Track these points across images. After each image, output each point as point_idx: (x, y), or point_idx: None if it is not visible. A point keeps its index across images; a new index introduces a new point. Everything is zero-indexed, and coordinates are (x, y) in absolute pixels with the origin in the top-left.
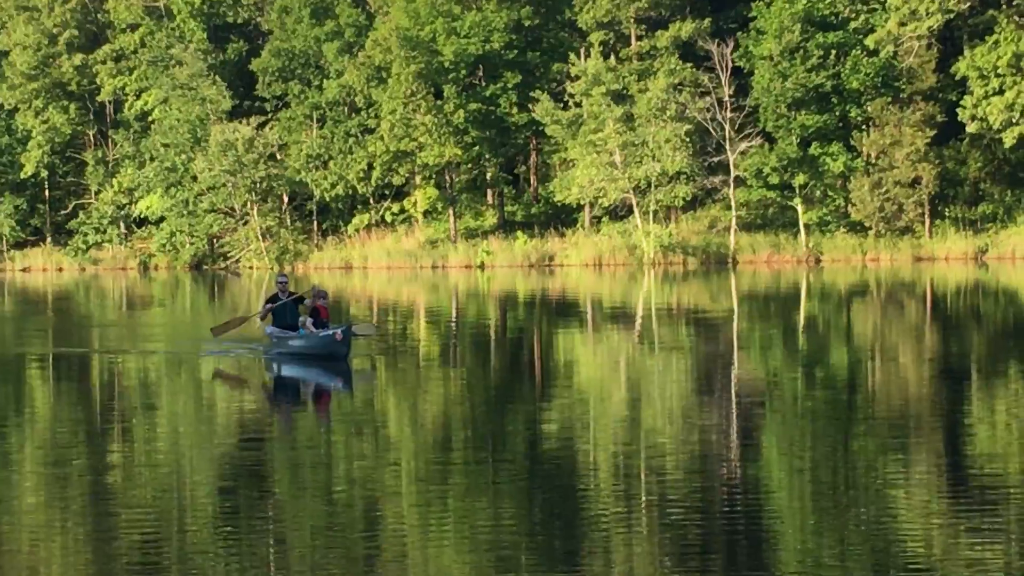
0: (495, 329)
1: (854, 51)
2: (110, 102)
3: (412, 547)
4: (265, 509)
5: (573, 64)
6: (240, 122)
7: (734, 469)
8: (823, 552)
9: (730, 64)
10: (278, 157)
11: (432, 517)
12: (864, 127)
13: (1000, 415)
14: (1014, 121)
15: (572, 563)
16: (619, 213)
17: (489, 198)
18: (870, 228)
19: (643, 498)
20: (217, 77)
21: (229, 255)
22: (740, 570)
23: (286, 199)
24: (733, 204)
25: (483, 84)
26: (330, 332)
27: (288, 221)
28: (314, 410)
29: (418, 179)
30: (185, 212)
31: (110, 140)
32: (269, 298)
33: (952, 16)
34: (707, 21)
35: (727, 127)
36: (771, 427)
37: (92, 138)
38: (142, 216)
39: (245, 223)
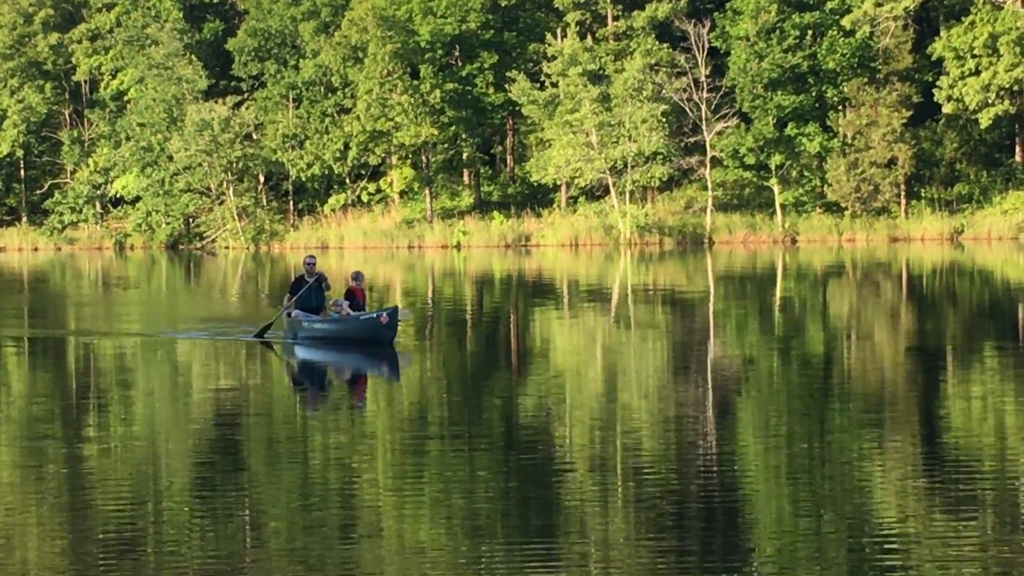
0: (471, 309)
1: (830, 31)
2: (86, 81)
3: (388, 521)
4: (241, 484)
5: (550, 44)
6: (216, 102)
7: (710, 446)
8: (798, 527)
9: (706, 44)
10: (254, 137)
11: (408, 492)
12: (840, 107)
13: (975, 393)
14: (990, 102)
15: (548, 536)
16: (595, 193)
17: (465, 178)
18: (846, 208)
19: (619, 474)
20: (193, 57)
21: (205, 235)
22: (715, 545)
23: (262, 179)
24: (709, 184)
25: (459, 64)
26: (373, 315)
27: (264, 201)
28: (350, 395)
29: (394, 159)
30: (161, 192)
31: (86, 119)
32: (295, 280)
33: None
34: (683, 1)
35: (703, 107)
36: (747, 405)
37: (68, 117)
38: (118, 196)
39: (221, 203)
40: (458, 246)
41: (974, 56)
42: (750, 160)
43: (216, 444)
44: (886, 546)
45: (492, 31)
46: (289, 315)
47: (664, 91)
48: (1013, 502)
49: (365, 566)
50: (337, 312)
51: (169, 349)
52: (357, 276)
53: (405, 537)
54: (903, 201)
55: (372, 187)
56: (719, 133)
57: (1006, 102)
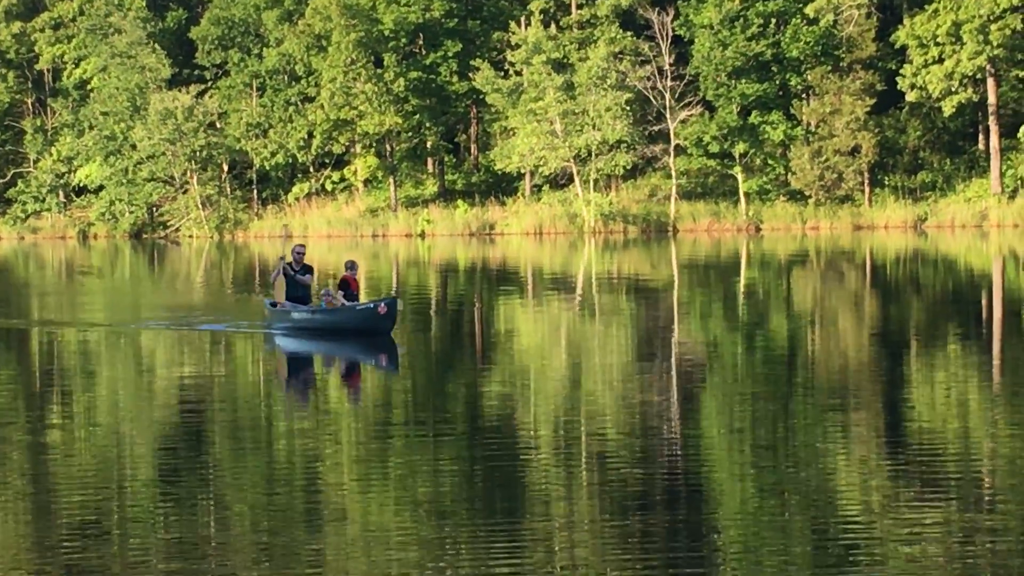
0: (436, 297)
1: (794, 20)
2: (49, 70)
3: (352, 505)
4: (206, 470)
5: (513, 33)
6: (180, 90)
7: (674, 431)
8: (762, 510)
9: (670, 33)
10: (218, 126)
11: (373, 477)
12: (804, 96)
13: (938, 380)
14: (953, 90)
15: (513, 519)
16: (560, 182)
17: (429, 167)
18: (810, 196)
19: (583, 459)
20: (156, 45)
21: (169, 224)
22: (679, 530)
23: (226, 168)
24: (673, 172)
25: (423, 52)
26: (370, 304)
27: (228, 190)
28: (319, 385)
29: (358, 148)
30: (124, 181)
31: (49, 108)
32: (285, 266)
33: None
34: None
35: (667, 96)
36: (711, 391)
37: (31, 106)
38: (81, 185)
39: (185, 192)
40: (422, 234)
41: (937, 44)
42: (714, 148)
43: (182, 431)
44: (850, 527)
45: (456, 19)
46: (274, 305)
47: (628, 79)
48: (975, 484)
49: (330, 549)
50: (327, 302)
51: (158, 339)
52: (352, 265)
53: (370, 521)
54: (867, 189)
55: (336, 176)
56: (683, 121)
57: (969, 90)
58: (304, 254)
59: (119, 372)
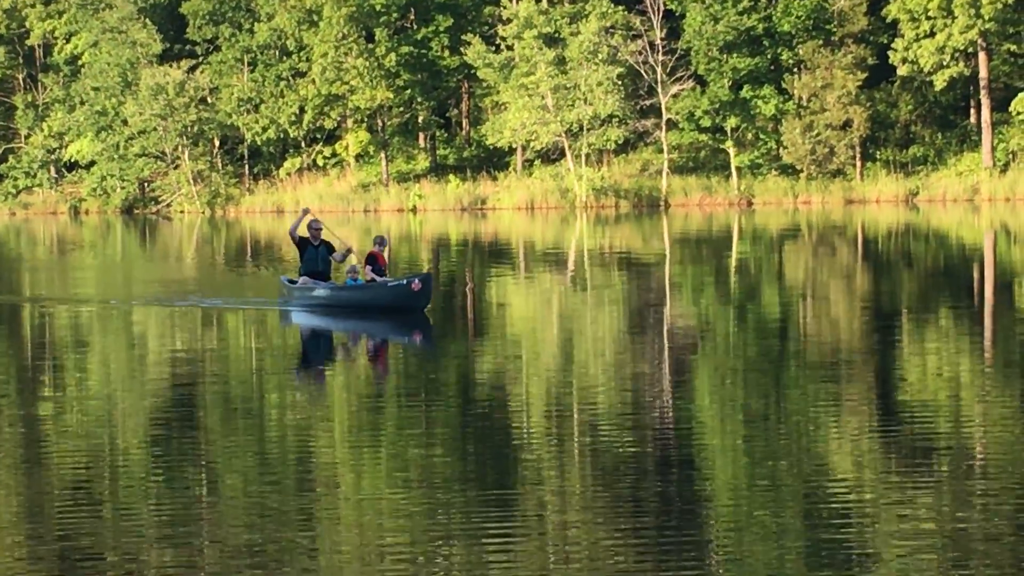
0: (428, 272)
1: None
2: (40, 46)
3: (345, 475)
4: (198, 445)
5: (505, 7)
6: (171, 66)
7: (666, 408)
8: (754, 482)
9: (662, 7)
10: (209, 101)
11: (365, 453)
12: (796, 70)
13: (929, 353)
14: (944, 64)
15: (505, 489)
16: (551, 156)
17: (421, 141)
18: (802, 171)
19: (575, 430)
20: (147, 20)
21: (160, 199)
22: (671, 507)
23: (217, 143)
24: (665, 147)
25: (415, 27)
26: (403, 281)
27: (219, 165)
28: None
29: (350, 123)
30: (116, 156)
31: (40, 84)
32: (299, 243)
33: None
34: None
35: (659, 70)
36: (703, 367)
37: (22, 82)
38: (72, 160)
39: (176, 167)
40: (414, 209)
41: (929, 18)
42: (706, 123)
43: (178, 405)
44: (841, 499)
45: None
46: (292, 282)
47: (619, 54)
48: (967, 455)
49: (322, 517)
50: (353, 278)
51: (198, 316)
52: (380, 241)
53: (362, 490)
54: (858, 163)
55: (327, 151)
56: (675, 96)
57: (960, 64)
58: (321, 230)
59: (112, 346)
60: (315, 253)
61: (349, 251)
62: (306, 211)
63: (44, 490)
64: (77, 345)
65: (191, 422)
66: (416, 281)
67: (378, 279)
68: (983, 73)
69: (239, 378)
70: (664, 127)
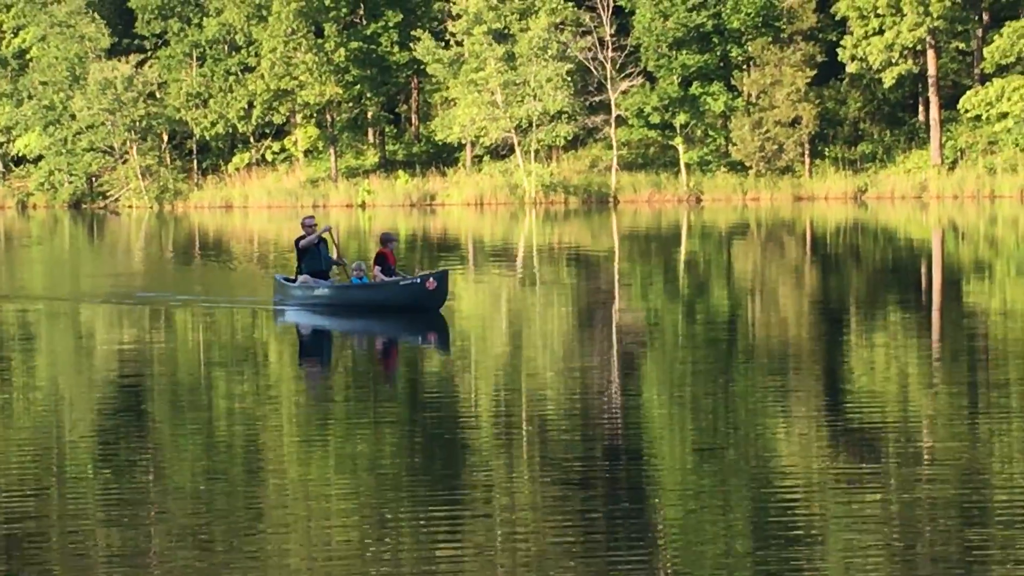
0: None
1: None
2: None
3: (292, 471)
4: (146, 440)
5: (454, 3)
6: (119, 60)
7: (615, 398)
8: (703, 485)
9: (611, 3)
10: (157, 95)
11: (314, 449)
12: (745, 67)
13: (878, 352)
14: (893, 61)
15: (452, 486)
16: (500, 152)
17: (370, 137)
18: (750, 168)
19: (524, 430)
20: (96, 15)
21: (108, 194)
22: (619, 501)
23: (166, 138)
24: (614, 143)
25: (364, 22)
26: (417, 279)
27: (168, 160)
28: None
29: (299, 118)
30: (64, 151)
31: None
32: (299, 240)
33: None
34: None
35: (608, 66)
36: (651, 360)
37: None
38: (20, 155)
39: (124, 162)
40: (363, 205)
41: (878, 15)
42: (655, 119)
43: (128, 398)
44: (788, 487)
45: None
46: (290, 281)
47: (569, 50)
48: (912, 448)
49: (269, 513)
50: (358, 276)
51: (143, 314)
52: (387, 239)
53: (310, 487)
54: (807, 160)
55: (276, 146)
56: (624, 92)
57: (909, 61)
58: (314, 227)
59: (60, 344)
60: (318, 253)
61: (327, 229)
62: (327, 228)
63: None
64: (24, 340)
65: (135, 414)
66: (431, 280)
67: (387, 279)
68: (931, 71)
69: (189, 371)
70: (613, 123)
